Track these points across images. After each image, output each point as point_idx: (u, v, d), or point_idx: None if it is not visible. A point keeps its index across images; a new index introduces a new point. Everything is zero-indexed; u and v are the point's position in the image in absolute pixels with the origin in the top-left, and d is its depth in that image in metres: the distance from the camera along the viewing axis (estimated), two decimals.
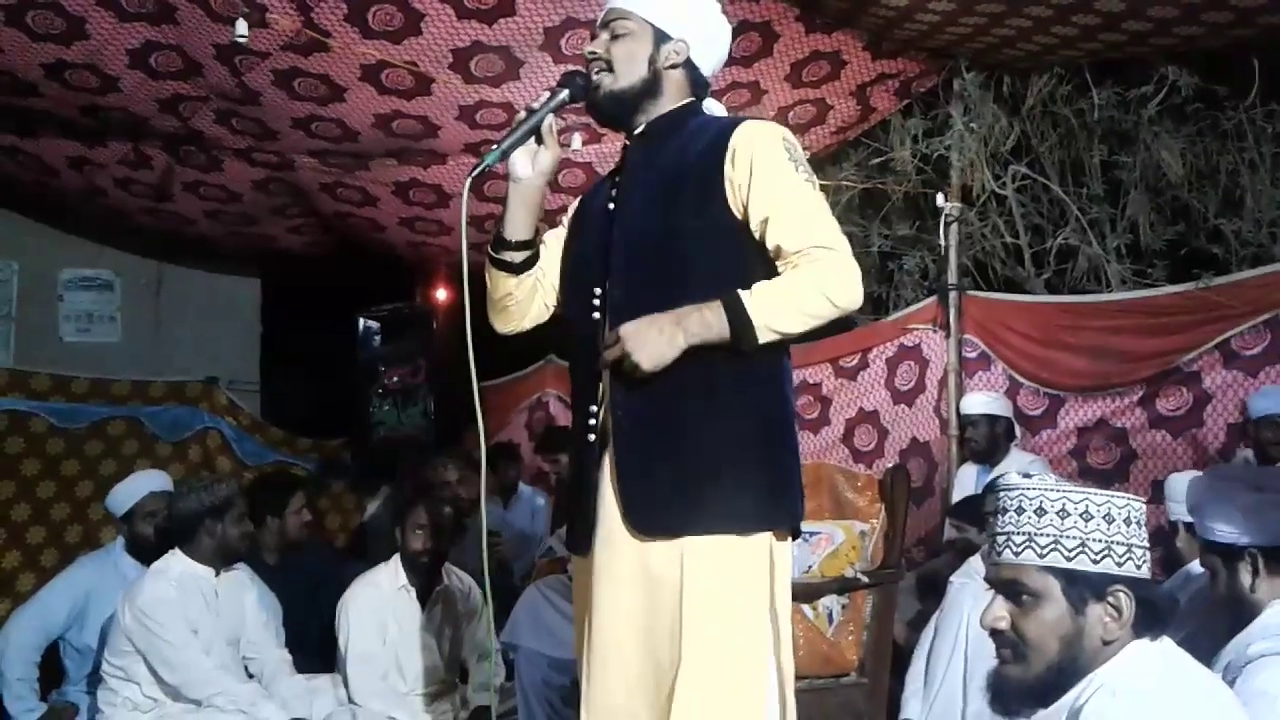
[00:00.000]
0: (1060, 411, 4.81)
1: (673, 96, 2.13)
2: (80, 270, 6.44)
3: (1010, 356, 4.95)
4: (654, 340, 1.92)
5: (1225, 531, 2.31)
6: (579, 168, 5.05)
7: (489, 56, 4.19)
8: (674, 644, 1.93)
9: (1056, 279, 5.15)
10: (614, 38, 2.11)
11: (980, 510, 3.61)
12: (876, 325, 5.52)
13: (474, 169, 2.09)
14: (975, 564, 3.41)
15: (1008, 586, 1.73)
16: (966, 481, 4.70)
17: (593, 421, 2.07)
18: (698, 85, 2.16)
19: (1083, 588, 1.67)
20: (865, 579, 3.14)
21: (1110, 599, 1.66)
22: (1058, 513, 1.67)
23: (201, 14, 3.78)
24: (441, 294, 7.21)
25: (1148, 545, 1.69)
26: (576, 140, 4.66)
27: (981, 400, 4.74)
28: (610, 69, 2.11)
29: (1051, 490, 1.68)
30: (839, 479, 3.40)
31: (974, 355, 5.07)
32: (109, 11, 3.83)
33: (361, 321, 6.90)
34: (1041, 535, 1.67)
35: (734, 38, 4.12)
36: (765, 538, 2.00)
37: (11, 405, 5.76)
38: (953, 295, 5.11)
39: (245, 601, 3.70)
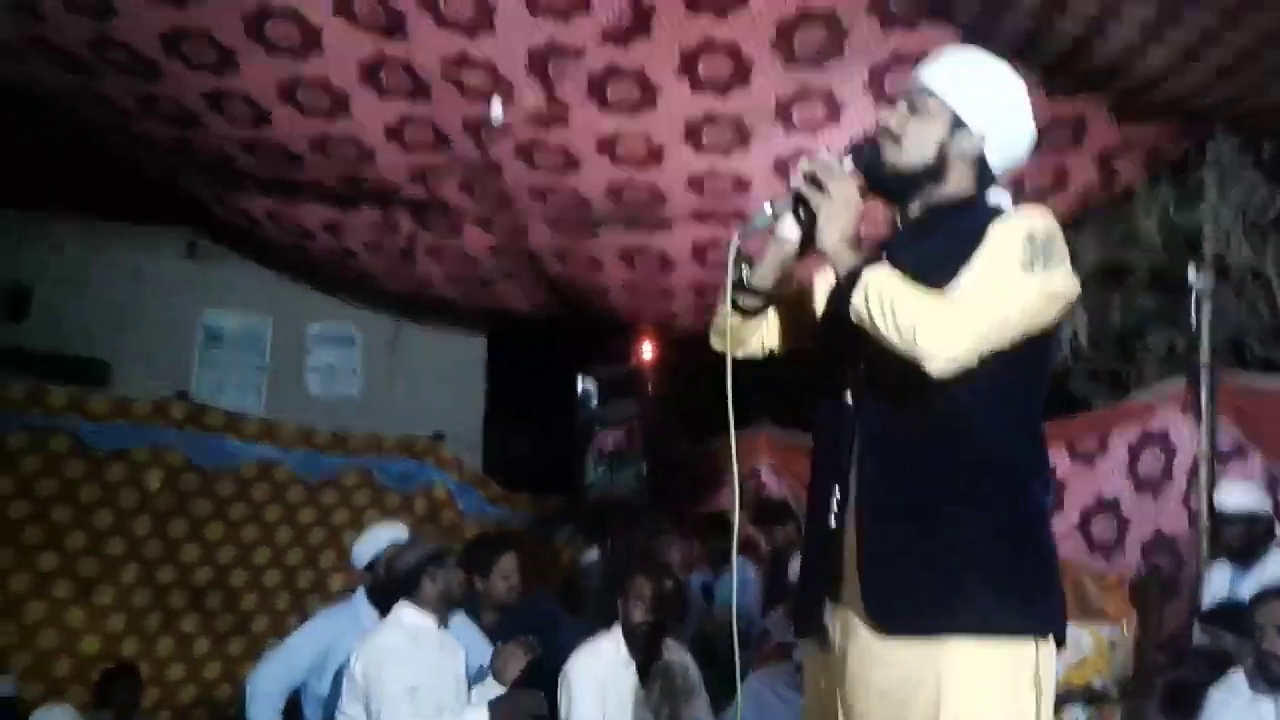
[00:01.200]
0: None
1: (955, 184, 2.06)
2: (326, 325, 6.85)
3: (1271, 446, 4.55)
4: (834, 220, 1.96)
5: None
6: None
7: (720, 127, 4.25)
8: None
9: None
10: (911, 112, 2.06)
11: (1243, 618, 3.30)
12: (1117, 407, 5.19)
13: (746, 224, 2.08)
14: (1237, 680, 3.13)
15: None
16: (1219, 582, 4.32)
17: (835, 502, 2.01)
18: (983, 179, 2.08)
19: None
20: (1114, 692, 2.91)
21: None
22: None
23: (455, 90, 3.98)
24: (656, 357, 7.28)
25: None
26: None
27: (1242, 495, 4.35)
28: (898, 142, 2.05)
29: None
30: (1084, 579, 3.19)
31: (1229, 444, 4.68)
32: (371, 89, 4.09)
33: (580, 382, 7.05)
34: None
35: None
36: (1029, 643, 1.87)
37: (263, 453, 6.13)
38: (1205, 377, 4.74)
39: (461, 652, 3.76)
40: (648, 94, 4.01)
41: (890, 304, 1.84)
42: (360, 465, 6.42)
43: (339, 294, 6.77)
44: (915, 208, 2.08)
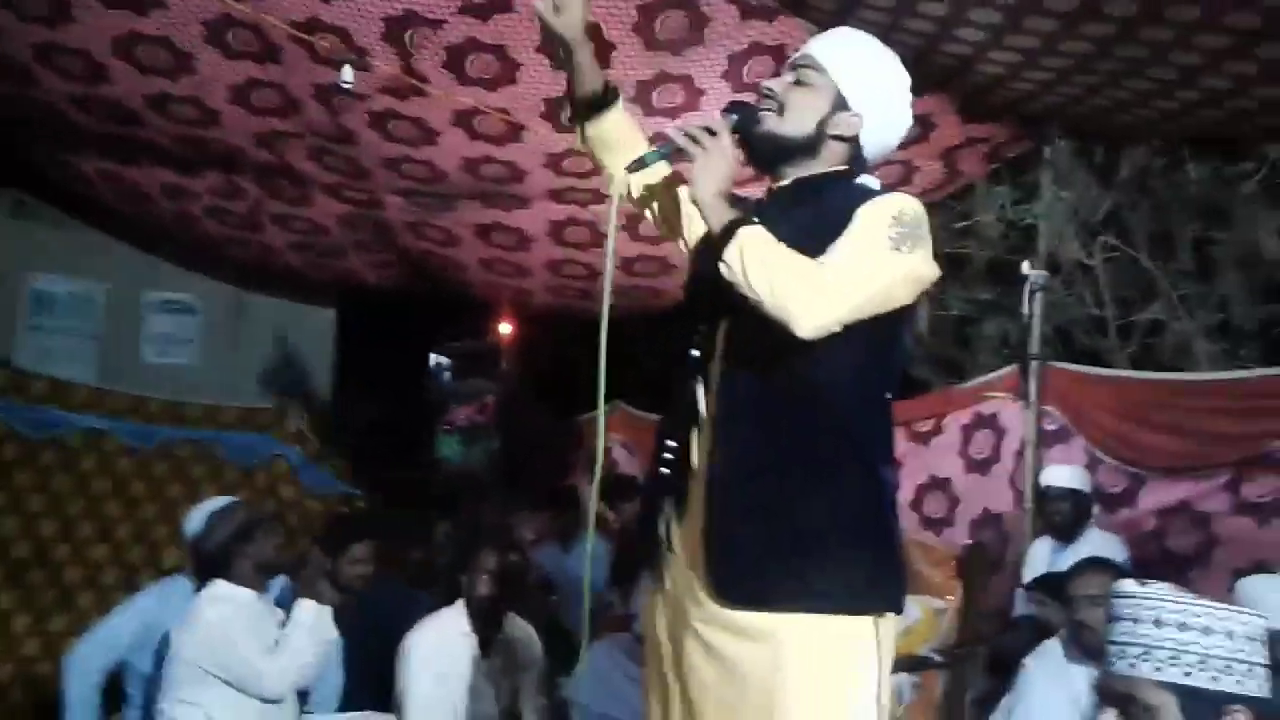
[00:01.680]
0: (1141, 491, 4.66)
1: (828, 161, 2.07)
2: (164, 293, 6.58)
3: (1092, 431, 4.83)
4: (709, 173, 1.95)
5: None
6: None
7: None
8: None
9: (1142, 353, 5.06)
10: (796, 83, 2.06)
11: (1063, 588, 3.50)
12: (952, 391, 5.43)
13: (631, 165, 2.10)
14: (1050, 647, 3.32)
15: (1121, 699, 1.68)
16: (1040, 557, 4.57)
17: (669, 456, 2.05)
18: (856, 161, 2.09)
19: (1201, 705, 1.60)
20: (939, 658, 3.06)
21: (1229, 716, 1.59)
22: (1177, 626, 1.60)
23: (305, 55, 3.86)
24: (511, 332, 7.26)
25: (1269, 663, 1.62)
26: None
27: (1066, 474, 4.61)
28: (780, 111, 2.06)
29: (1170, 601, 1.62)
30: (915, 551, 3.34)
31: (1054, 428, 4.94)
32: (217, 49, 3.92)
33: (433, 357, 6.96)
34: (1160, 648, 1.61)
35: None
36: (869, 620, 1.93)
37: (90, 423, 5.86)
38: (1035, 365, 4.99)
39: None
40: (507, 69, 3.96)
41: (764, 262, 1.85)
42: (197, 437, 6.19)
43: (179, 261, 6.49)
44: (785, 179, 2.09)
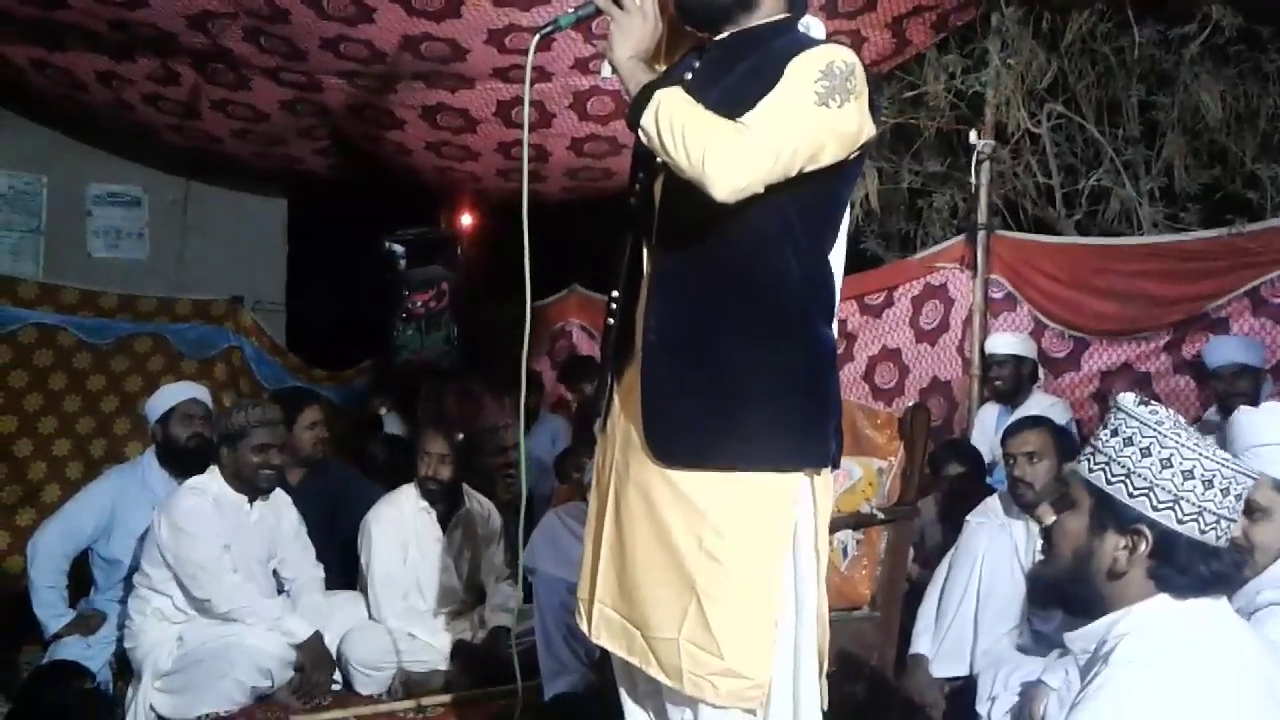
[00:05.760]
0: (1084, 355, 4.78)
1: (767, 10, 2.04)
2: (108, 185, 6.45)
3: (1036, 298, 4.92)
4: (626, 35, 1.96)
5: None
6: (608, 95, 5.00)
7: None
8: (683, 571, 1.94)
9: (1088, 221, 5.10)
10: None
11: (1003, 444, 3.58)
12: (903, 263, 5.48)
13: (542, 29, 2.06)
14: (992, 504, 3.43)
15: (1060, 487, 1.78)
16: (987, 421, 4.70)
17: (613, 306, 2.11)
18: (795, 6, 2.06)
19: (1107, 513, 1.67)
20: (880, 515, 3.16)
21: (1130, 534, 1.66)
22: (1125, 439, 1.66)
23: None
24: (466, 219, 7.20)
25: (1222, 512, 1.63)
26: (606, 69, 4.60)
27: (1008, 341, 4.72)
28: None
29: (1146, 427, 1.65)
30: (859, 416, 3.41)
31: (1000, 296, 5.03)
32: None
33: (387, 245, 6.90)
34: (1101, 453, 1.69)
35: None
36: (797, 476, 1.98)
37: (40, 318, 5.81)
38: (981, 235, 5.05)
39: (282, 522, 3.75)
40: None
41: (680, 126, 1.84)
42: (153, 330, 6.16)
43: (122, 152, 6.35)
44: (723, 34, 2.06)
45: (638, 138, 1.99)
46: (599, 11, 2.01)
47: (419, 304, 7.00)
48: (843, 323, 5.59)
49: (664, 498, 1.98)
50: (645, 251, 2.06)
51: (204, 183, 6.70)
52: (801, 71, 1.88)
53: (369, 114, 5.46)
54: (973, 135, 5.09)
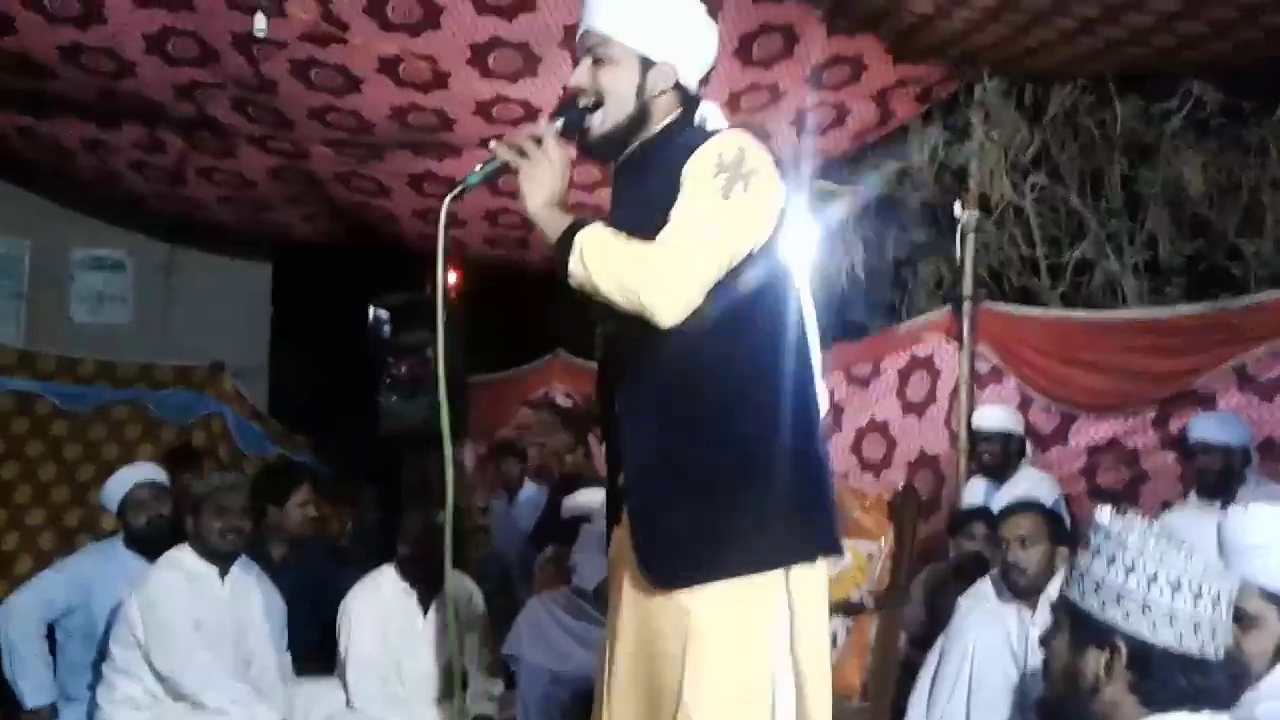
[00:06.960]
0: (1072, 429, 4.74)
1: (661, 117, 2.04)
2: (92, 250, 6.42)
3: (1024, 371, 4.89)
4: (536, 184, 1.93)
5: None
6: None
7: (507, 52, 4.16)
8: (674, 695, 1.91)
9: (1072, 292, 5.11)
10: (596, 63, 2.00)
11: (993, 528, 3.55)
12: (889, 334, 5.47)
13: (453, 190, 2.03)
14: (983, 587, 3.38)
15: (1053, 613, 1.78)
16: (975, 496, 4.64)
17: (610, 459, 2.11)
18: (687, 100, 2.06)
19: (1085, 629, 1.65)
20: (870, 603, 3.10)
21: (1108, 647, 1.62)
22: (1095, 551, 1.64)
23: (221, 1, 3.75)
24: (450, 284, 7.18)
25: (1198, 619, 1.60)
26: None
27: (997, 415, 4.67)
28: (599, 105, 2.00)
29: (1112, 536, 1.63)
30: (847, 498, 3.37)
31: (987, 368, 5.00)
32: None
33: (371, 310, 6.86)
34: (1077, 569, 1.67)
35: (755, 39, 4.16)
36: (777, 575, 1.94)
37: (17, 386, 5.75)
38: (967, 306, 5.03)
39: (253, 603, 3.66)
40: (430, 14, 3.88)
41: (608, 265, 1.84)
42: (132, 397, 6.10)
43: (107, 217, 6.34)
44: (630, 150, 2.06)
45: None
46: (506, 167, 1.99)
47: (403, 370, 6.94)
48: (829, 394, 5.56)
49: (654, 611, 1.97)
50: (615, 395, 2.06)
51: (188, 247, 6.70)
52: (697, 174, 1.89)
53: (356, 182, 5.46)
54: (957, 207, 5.11)
